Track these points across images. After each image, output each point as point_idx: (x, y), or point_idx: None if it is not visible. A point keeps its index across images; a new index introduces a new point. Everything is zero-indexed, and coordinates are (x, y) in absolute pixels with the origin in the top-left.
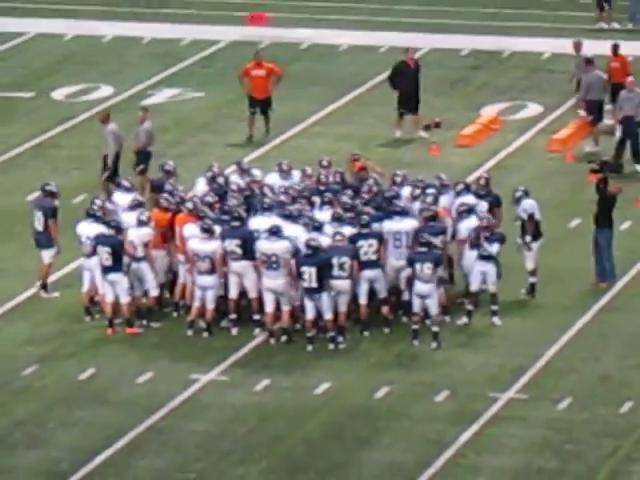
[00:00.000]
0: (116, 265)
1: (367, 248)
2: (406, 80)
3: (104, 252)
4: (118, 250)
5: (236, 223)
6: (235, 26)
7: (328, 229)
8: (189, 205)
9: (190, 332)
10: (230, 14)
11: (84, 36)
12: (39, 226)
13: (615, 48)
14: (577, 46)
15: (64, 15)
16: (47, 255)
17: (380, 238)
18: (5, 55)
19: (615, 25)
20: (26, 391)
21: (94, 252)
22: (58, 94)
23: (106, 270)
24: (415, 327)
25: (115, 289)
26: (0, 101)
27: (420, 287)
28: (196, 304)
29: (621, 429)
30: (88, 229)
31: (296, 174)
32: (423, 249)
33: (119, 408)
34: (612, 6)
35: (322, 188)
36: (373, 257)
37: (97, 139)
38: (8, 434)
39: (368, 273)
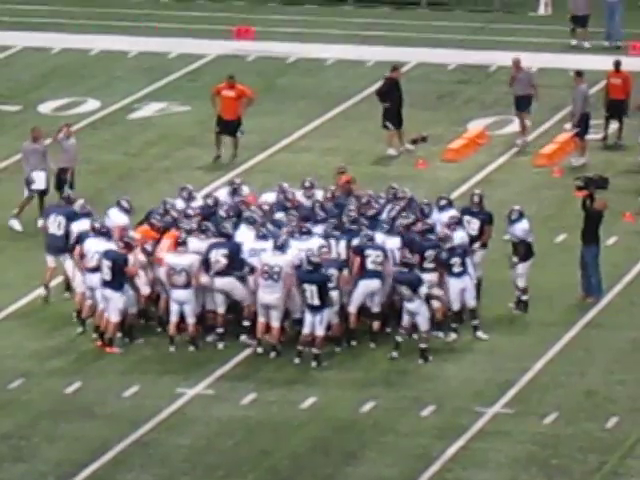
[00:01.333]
0: (114, 282)
1: (375, 258)
2: (396, 95)
3: (105, 266)
4: (119, 266)
5: (222, 239)
6: (222, 40)
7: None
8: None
9: (172, 348)
10: (216, 28)
11: (71, 50)
12: (59, 230)
13: (617, 64)
14: (517, 64)
15: (51, 29)
16: (56, 260)
17: (385, 251)
18: None
19: (586, 44)
20: (12, 405)
21: (97, 268)
22: (45, 107)
23: (104, 284)
24: (399, 339)
25: (108, 305)
26: None
27: (406, 305)
28: (173, 319)
29: (607, 444)
30: (97, 245)
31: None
32: (404, 269)
33: (105, 422)
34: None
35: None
36: (379, 268)
37: (84, 152)
38: None
39: (370, 283)
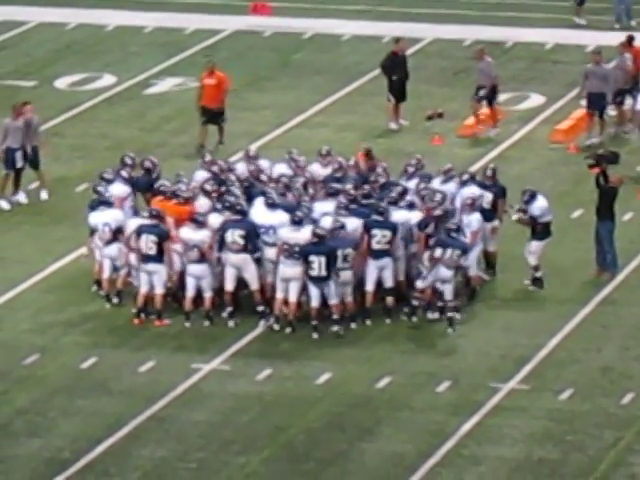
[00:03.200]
0: (159, 255)
1: (380, 237)
2: (400, 69)
3: (150, 241)
4: (164, 240)
5: (237, 217)
6: (238, 16)
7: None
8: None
9: (188, 324)
10: (233, 3)
11: (87, 25)
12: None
13: (630, 40)
14: (480, 53)
15: (67, 4)
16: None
17: (394, 229)
18: (8, 44)
19: (582, 21)
20: (28, 380)
21: (114, 239)
22: (61, 83)
23: (147, 259)
24: (415, 302)
25: (152, 279)
26: (3, 90)
27: (443, 272)
28: (189, 294)
29: (622, 420)
30: (103, 217)
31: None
32: (454, 235)
33: (120, 397)
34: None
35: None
36: (385, 247)
37: (100, 128)
38: (10, 422)
39: (379, 262)
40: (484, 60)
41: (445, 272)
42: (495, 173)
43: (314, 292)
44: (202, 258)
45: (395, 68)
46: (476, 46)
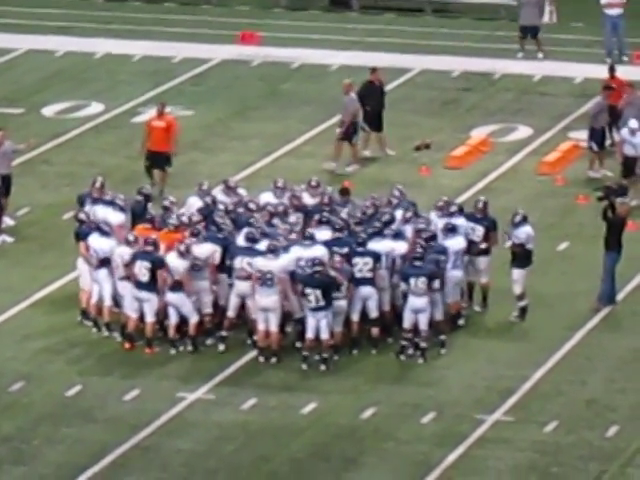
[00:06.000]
0: (151, 283)
1: (362, 266)
2: (376, 98)
3: (143, 267)
4: (157, 268)
5: (248, 244)
6: (226, 45)
7: (294, 250)
8: (174, 221)
9: (173, 351)
10: (222, 32)
11: (75, 53)
12: None
13: (612, 70)
14: (347, 88)
15: (55, 31)
16: None
17: (376, 257)
18: None
19: (540, 55)
20: (13, 407)
21: (101, 265)
22: (48, 110)
23: (140, 286)
24: (403, 343)
25: (142, 306)
26: None
27: (414, 301)
28: (172, 322)
29: (607, 453)
30: (97, 242)
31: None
32: (418, 263)
33: (105, 425)
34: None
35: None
36: (368, 275)
37: (88, 155)
38: None
39: (362, 290)
40: (349, 95)
41: (416, 301)
42: (486, 206)
43: (311, 323)
44: (178, 286)
45: (369, 98)
46: (466, 76)
